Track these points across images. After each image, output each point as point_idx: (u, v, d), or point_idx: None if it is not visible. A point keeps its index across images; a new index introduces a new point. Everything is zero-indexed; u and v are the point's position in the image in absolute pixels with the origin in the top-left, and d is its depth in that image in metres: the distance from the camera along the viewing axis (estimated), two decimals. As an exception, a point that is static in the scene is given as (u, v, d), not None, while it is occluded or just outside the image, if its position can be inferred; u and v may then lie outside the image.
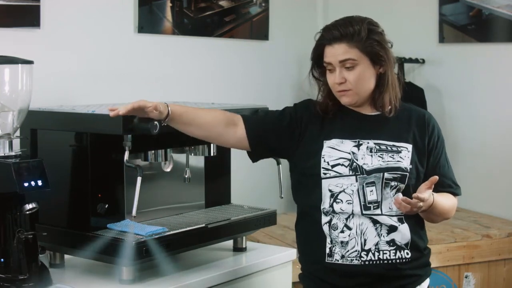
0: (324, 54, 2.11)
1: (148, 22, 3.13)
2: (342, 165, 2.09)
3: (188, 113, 2.17)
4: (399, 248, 2.09)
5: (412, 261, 2.11)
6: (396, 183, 2.09)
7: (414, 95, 3.80)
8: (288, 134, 2.17)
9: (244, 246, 2.65)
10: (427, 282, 2.18)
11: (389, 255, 2.08)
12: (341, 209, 2.08)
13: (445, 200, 2.14)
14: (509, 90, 3.66)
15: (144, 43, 3.13)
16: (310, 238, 2.16)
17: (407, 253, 2.10)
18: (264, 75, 3.72)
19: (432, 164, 2.17)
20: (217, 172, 2.68)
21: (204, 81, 3.40)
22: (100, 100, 2.68)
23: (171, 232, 2.30)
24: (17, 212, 2.12)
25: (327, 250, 2.10)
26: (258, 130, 2.20)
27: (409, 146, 2.13)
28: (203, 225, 2.42)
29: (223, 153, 2.64)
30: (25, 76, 2.20)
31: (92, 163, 2.26)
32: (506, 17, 3.61)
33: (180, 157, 2.54)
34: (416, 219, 2.14)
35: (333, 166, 2.10)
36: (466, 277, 3.13)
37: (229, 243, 2.65)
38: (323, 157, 2.11)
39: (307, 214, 2.17)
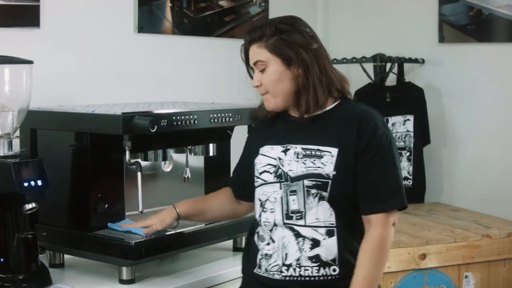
0: None
1: (148, 22, 3.13)
2: (268, 172, 2.00)
3: (196, 204, 2.26)
4: (323, 264, 1.93)
5: (342, 278, 1.93)
6: (316, 191, 1.93)
7: (413, 95, 3.81)
8: None
9: (243, 246, 2.65)
10: None
11: (311, 272, 1.93)
12: (266, 219, 2.00)
13: (360, 277, 1.90)
14: (509, 90, 3.66)
15: (144, 43, 3.13)
16: (248, 246, 2.11)
17: (334, 270, 1.93)
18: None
19: (360, 169, 1.93)
20: (217, 172, 2.68)
21: (204, 81, 3.40)
22: (100, 100, 2.68)
23: (171, 232, 2.30)
24: (17, 212, 2.12)
25: (257, 261, 2.02)
26: (241, 185, 2.18)
27: (334, 150, 1.94)
28: (203, 225, 2.42)
29: (223, 153, 2.64)
30: (25, 76, 2.20)
31: (92, 163, 2.26)
32: (506, 17, 3.61)
33: (180, 157, 2.54)
34: (352, 231, 1.96)
35: (260, 173, 2.02)
36: (466, 277, 3.13)
37: (229, 243, 2.65)
38: (255, 165, 2.05)
39: (252, 223, 2.11)
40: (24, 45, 2.58)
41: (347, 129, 1.96)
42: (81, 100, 2.70)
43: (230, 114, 2.44)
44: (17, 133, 2.25)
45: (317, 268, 1.94)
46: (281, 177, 1.98)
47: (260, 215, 2.03)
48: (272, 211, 1.99)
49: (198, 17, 3.36)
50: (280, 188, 1.97)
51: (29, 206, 2.13)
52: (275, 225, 1.98)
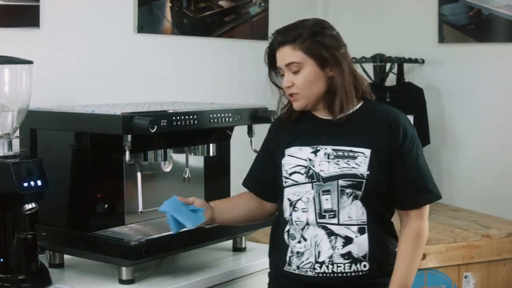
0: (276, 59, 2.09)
1: (148, 22, 3.13)
2: (299, 172, 2.05)
3: (223, 201, 2.27)
4: (355, 260, 2.01)
5: (371, 272, 2.02)
6: (351, 190, 2.00)
7: (413, 95, 3.81)
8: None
9: (243, 246, 2.65)
10: None
11: (344, 268, 2.01)
12: (297, 218, 2.05)
13: (403, 266, 2.02)
14: (509, 90, 3.66)
15: (144, 43, 3.13)
16: (275, 243, 2.16)
17: (365, 266, 2.01)
18: (264, 75, 3.69)
19: (396, 168, 2.03)
20: (217, 172, 2.68)
21: (204, 81, 3.40)
22: (100, 100, 2.67)
23: (171, 232, 2.29)
24: (16, 212, 2.12)
25: (287, 259, 2.08)
26: (266, 186, 2.20)
27: (367, 151, 2.01)
28: (203, 225, 2.41)
29: (223, 153, 2.64)
30: (25, 76, 2.20)
31: (92, 163, 2.26)
32: (506, 17, 3.61)
33: (180, 157, 2.54)
34: (381, 227, 2.06)
35: (290, 174, 2.07)
36: (465, 277, 3.13)
37: (229, 243, 2.65)
38: (283, 166, 2.09)
39: (277, 221, 2.17)
40: (24, 45, 2.58)
41: (378, 130, 2.04)
42: (81, 100, 2.70)
43: (230, 114, 2.44)
44: (17, 133, 2.25)
45: (349, 264, 2.01)
46: (313, 177, 2.03)
47: (290, 214, 2.07)
48: (304, 211, 2.04)
49: (198, 17, 3.36)
50: (312, 188, 2.03)
51: (29, 206, 2.13)
52: (307, 224, 2.04)
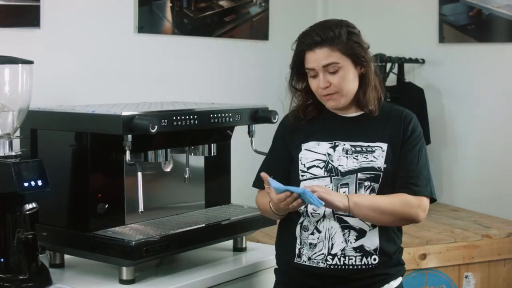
0: (305, 60, 2.10)
1: (148, 22, 3.13)
2: (317, 166, 2.11)
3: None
4: (366, 254, 2.08)
5: (380, 264, 2.10)
6: (369, 183, 2.08)
7: (413, 95, 3.80)
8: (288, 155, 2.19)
9: (244, 246, 2.66)
10: (398, 280, 2.16)
11: (355, 261, 2.08)
12: (314, 210, 2.09)
13: (379, 199, 2.05)
14: (509, 90, 3.66)
15: (144, 43, 3.13)
16: (283, 237, 2.20)
17: (375, 259, 2.09)
18: (264, 75, 3.71)
19: (400, 157, 2.11)
20: (217, 172, 2.68)
21: (204, 81, 3.40)
22: (100, 100, 2.68)
23: (171, 232, 2.30)
24: (17, 212, 2.12)
25: (297, 251, 2.13)
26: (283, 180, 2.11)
27: (384, 145, 2.10)
28: (203, 225, 2.42)
29: (223, 153, 2.64)
30: (25, 76, 2.20)
31: (92, 163, 2.26)
32: (506, 17, 3.61)
33: (180, 157, 2.54)
34: None
35: (308, 168, 2.12)
36: (466, 277, 3.13)
37: (229, 243, 2.65)
38: (300, 160, 2.13)
39: (288, 214, 2.16)
40: (24, 45, 2.58)
41: (393, 126, 2.12)
42: (81, 100, 2.70)
43: (230, 114, 2.44)
44: (17, 133, 2.25)
45: (360, 257, 2.08)
46: (332, 171, 2.09)
47: (306, 207, 2.10)
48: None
49: (198, 17, 3.36)
50: (331, 182, 2.09)
51: (29, 206, 2.13)
52: (323, 216, 2.09)
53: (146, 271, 2.34)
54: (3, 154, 2.13)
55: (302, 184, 2.11)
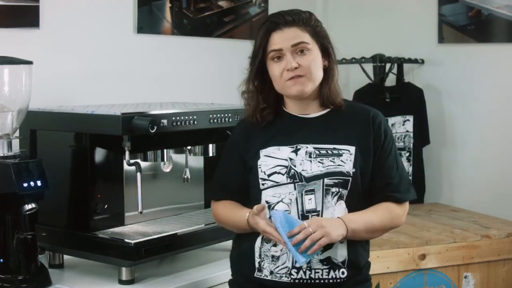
0: (269, 43, 1.98)
1: (148, 23, 3.13)
2: (279, 173, 1.96)
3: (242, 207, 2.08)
4: (334, 266, 1.94)
5: (348, 280, 1.96)
6: (337, 189, 1.94)
7: (413, 96, 3.81)
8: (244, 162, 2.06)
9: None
10: None
11: (322, 274, 1.93)
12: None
13: (371, 218, 1.97)
14: (508, 91, 3.66)
15: (143, 44, 3.13)
16: (242, 250, 2.06)
17: (343, 272, 1.95)
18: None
19: (377, 165, 2.00)
20: (217, 173, 2.68)
21: (203, 81, 3.40)
22: (99, 101, 2.68)
23: (171, 232, 2.30)
24: (16, 213, 2.12)
25: (256, 265, 1.99)
26: (242, 192, 2.06)
27: (352, 148, 1.97)
28: (203, 225, 2.42)
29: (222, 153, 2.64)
30: (25, 77, 2.20)
31: (92, 163, 2.26)
32: (505, 17, 3.61)
33: (180, 158, 2.54)
34: None
35: (269, 175, 1.98)
36: (465, 277, 3.13)
37: (229, 243, 2.64)
38: (259, 167, 1.99)
39: None
40: (23, 46, 2.58)
41: (360, 128, 2.01)
42: (80, 100, 2.70)
43: (229, 115, 2.44)
44: (17, 133, 2.25)
45: (327, 270, 1.94)
46: (295, 177, 1.96)
47: (269, 217, 1.96)
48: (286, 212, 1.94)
49: (198, 17, 3.36)
50: (295, 189, 1.95)
51: (28, 206, 2.13)
52: None
53: (146, 271, 2.34)
54: (2, 155, 2.13)
55: (264, 193, 1.97)
